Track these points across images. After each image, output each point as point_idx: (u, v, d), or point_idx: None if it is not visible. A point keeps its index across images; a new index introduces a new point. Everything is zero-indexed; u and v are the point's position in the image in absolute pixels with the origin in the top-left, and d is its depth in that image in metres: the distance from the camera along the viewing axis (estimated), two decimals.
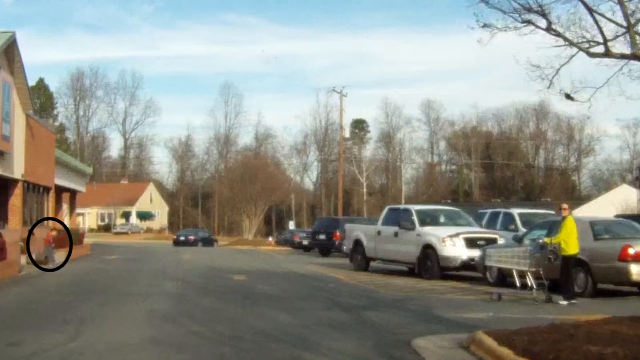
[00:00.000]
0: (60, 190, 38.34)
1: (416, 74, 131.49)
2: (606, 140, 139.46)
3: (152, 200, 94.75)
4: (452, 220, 20.12)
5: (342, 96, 56.60)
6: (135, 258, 28.47)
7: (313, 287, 15.69)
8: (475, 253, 17.83)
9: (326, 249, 32.92)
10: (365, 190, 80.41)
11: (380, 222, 20.87)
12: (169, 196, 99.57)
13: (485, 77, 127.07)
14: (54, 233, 25.07)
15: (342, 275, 19.54)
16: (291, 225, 62.45)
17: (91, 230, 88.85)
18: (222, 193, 74.01)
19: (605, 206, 48.61)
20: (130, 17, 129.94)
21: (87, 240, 49.67)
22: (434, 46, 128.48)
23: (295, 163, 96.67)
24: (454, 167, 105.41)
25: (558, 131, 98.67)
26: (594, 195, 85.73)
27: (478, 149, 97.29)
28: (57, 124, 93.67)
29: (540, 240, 14.53)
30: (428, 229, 18.80)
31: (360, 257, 21.52)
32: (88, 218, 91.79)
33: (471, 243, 18.19)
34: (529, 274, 13.86)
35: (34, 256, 22.07)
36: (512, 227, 20.47)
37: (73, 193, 43.23)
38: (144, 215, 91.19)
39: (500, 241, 18.59)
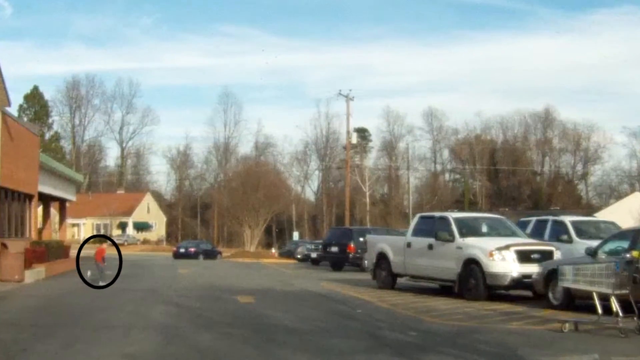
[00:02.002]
0: (47, 198, 35.37)
1: (417, 84, 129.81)
2: (614, 148, 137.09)
3: (149, 211, 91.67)
4: (495, 230, 17.06)
5: (349, 100, 53.76)
6: (126, 273, 25.32)
7: (338, 314, 12.60)
8: (529, 269, 14.86)
9: (339, 262, 29.70)
10: (368, 199, 77.39)
11: (410, 232, 17.77)
12: (167, 206, 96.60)
13: (488, 85, 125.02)
14: (105, 246, 22.13)
15: (366, 295, 16.46)
16: (295, 236, 59.32)
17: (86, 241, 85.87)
18: (221, 203, 70.88)
19: (621, 215, 45.56)
20: (129, 29, 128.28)
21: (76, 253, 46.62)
22: (433, 57, 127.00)
23: (296, 172, 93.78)
24: (458, 176, 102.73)
25: (564, 139, 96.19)
26: (600, 203, 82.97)
27: (483, 157, 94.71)
28: (52, 132, 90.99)
29: (628, 255, 11.56)
30: (471, 241, 15.74)
31: (385, 274, 18.42)
32: (83, 229, 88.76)
33: (524, 257, 15.16)
34: (613, 297, 10.82)
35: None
36: (565, 237, 17.46)
37: (63, 202, 40.24)
38: (141, 226, 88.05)
39: (557, 254, 15.61)
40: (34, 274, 21.49)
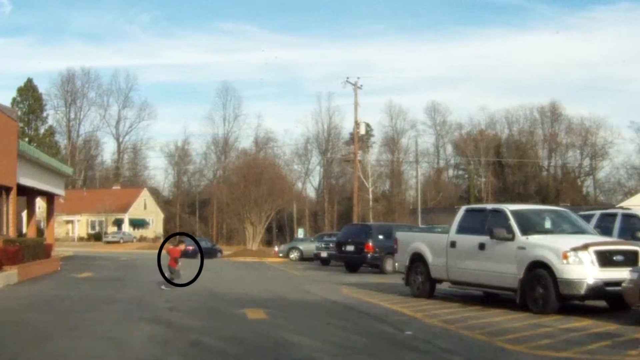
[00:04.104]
0: (32, 192, 32.24)
1: (419, 80, 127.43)
2: (621, 144, 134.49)
3: (146, 207, 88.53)
4: (559, 226, 13.86)
5: (357, 88, 50.53)
6: (113, 277, 22.21)
7: (383, 338, 9.42)
8: (612, 274, 11.82)
9: (355, 263, 26.44)
10: (371, 196, 74.32)
11: (454, 229, 14.54)
12: (165, 203, 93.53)
13: (490, 81, 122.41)
14: (182, 247, 19.16)
15: (404, 307, 13.24)
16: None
17: (81, 239, 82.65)
18: (221, 199, 67.64)
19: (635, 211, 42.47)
20: (128, 26, 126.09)
21: (68, 251, 43.46)
22: (434, 53, 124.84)
23: (297, 168, 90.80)
24: (462, 171, 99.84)
25: (571, 134, 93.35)
26: (607, 199, 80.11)
27: (488, 152, 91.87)
28: (46, 126, 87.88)
29: None
30: (536, 239, 12.58)
31: (422, 279, 15.25)
32: (78, 226, 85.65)
33: (605, 259, 12.04)
34: None
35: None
36: None
37: (51, 197, 37.11)
38: (137, 223, 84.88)
39: None
40: (4, 278, 18.33)
